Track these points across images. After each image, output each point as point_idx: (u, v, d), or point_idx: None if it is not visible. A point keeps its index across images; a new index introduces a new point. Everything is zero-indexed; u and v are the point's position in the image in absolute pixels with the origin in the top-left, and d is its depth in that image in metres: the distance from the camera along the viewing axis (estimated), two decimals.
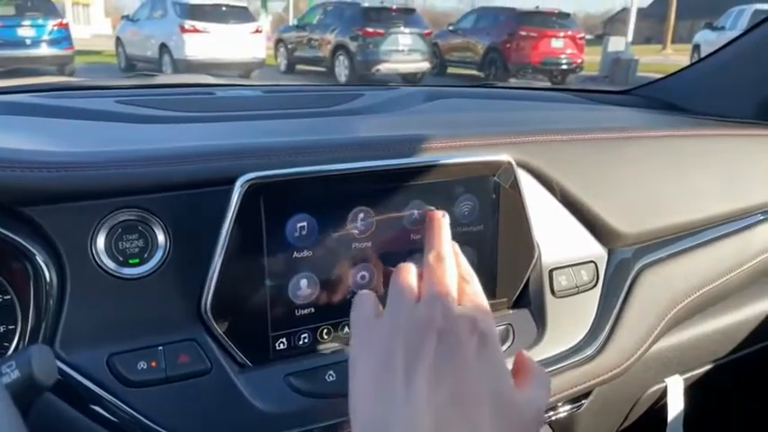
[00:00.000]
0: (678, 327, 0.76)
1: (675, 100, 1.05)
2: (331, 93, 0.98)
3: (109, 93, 0.89)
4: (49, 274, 0.45)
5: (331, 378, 0.51)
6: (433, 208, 0.53)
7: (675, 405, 0.76)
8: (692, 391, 0.78)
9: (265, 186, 0.48)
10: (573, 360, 0.60)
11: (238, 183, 0.47)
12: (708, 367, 0.80)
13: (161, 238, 0.48)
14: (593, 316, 0.63)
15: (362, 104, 0.86)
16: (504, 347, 0.59)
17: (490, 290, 0.60)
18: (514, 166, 0.59)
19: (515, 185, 0.59)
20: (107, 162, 0.48)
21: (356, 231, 0.52)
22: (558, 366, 0.59)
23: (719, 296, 0.77)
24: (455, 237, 0.47)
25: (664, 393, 0.76)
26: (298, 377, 0.51)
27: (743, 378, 0.83)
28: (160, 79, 1.11)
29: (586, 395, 0.67)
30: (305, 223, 0.50)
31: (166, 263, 0.48)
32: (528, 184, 0.63)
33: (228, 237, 0.47)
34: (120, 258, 0.47)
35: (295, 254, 0.50)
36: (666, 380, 0.76)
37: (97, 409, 0.46)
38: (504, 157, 0.58)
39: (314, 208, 0.51)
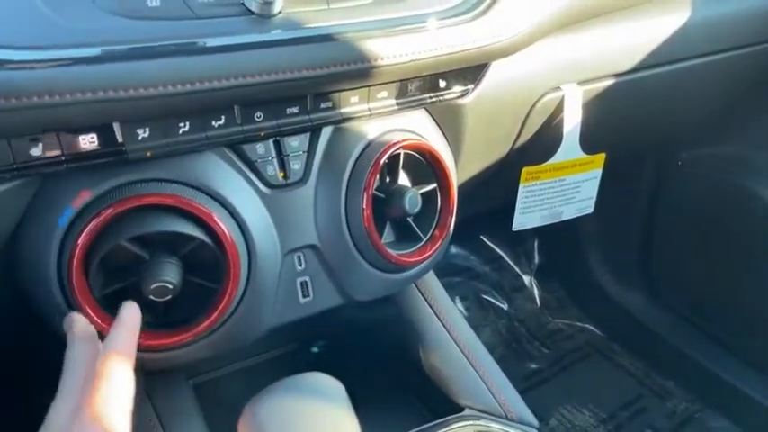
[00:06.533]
0: (577, 30, 0.71)
1: None
2: None
3: None
4: None
5: (154, 3, 0.44)
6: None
7: (572, 116, 0.73)
8: (591, 104, 0.75)
9: None
10: (452, 18, 0.54)
11: None
12: (607, 82, 0.76)
13: None
14: None
15: None
16: None
17: None
18: None
19: None
20: None
21: None
22: (433, 22, 0.53)
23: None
24: None
25: (561, 104, 0.73)
26: None
27: (642, 96, 0.81)
28: None
29: (473, 80, 0.62)
30: None
31: None
32: None
33: None
34: None
35: None
36: (563, 87, 0.72)
37: None
38: None
39: None
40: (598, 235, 1.40)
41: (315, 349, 0.73)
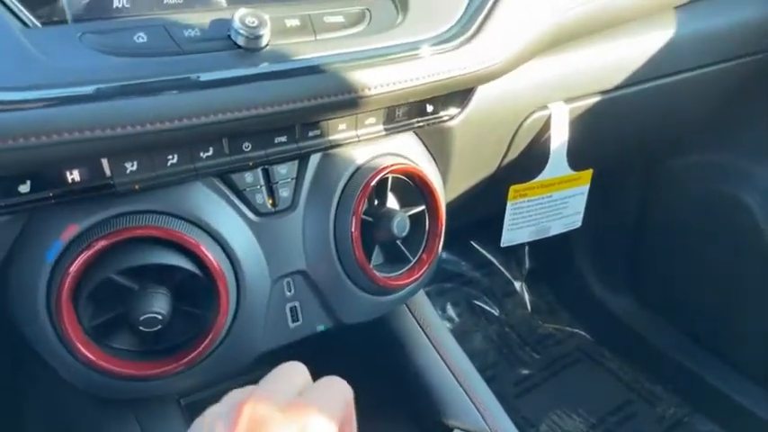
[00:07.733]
0: (563, 50, 0.71)
1: None
2: None
3: None
4: None
5: (141, 39, 0.44)
6: None
7: (559, 134, 0.74)
8: (578, 121, 0.76)
9: None
10: (439, 46, 0.54)
11: None
12: (594, 100, 0.77)
13: None
14: (465, 5, 0.57)
15: None
16: (360, 28, 0.52)
17: None
18: None
19: None
20: None
21: None
22: (420, 50, 0.53)
23: (607, 18, 0.73)
24: None
25: (548, 122, 0.73)
26: (98, 35, 0.43)
27: (629, 112, 0.82)
28: None
29: (461, 104, 0.62)
30: None
31: None
32: None
33: None
34: None
35: None
36: (550, 105, 0.72)
37: None
38: None
39: None
40: (587, 241, 1.42)
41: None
